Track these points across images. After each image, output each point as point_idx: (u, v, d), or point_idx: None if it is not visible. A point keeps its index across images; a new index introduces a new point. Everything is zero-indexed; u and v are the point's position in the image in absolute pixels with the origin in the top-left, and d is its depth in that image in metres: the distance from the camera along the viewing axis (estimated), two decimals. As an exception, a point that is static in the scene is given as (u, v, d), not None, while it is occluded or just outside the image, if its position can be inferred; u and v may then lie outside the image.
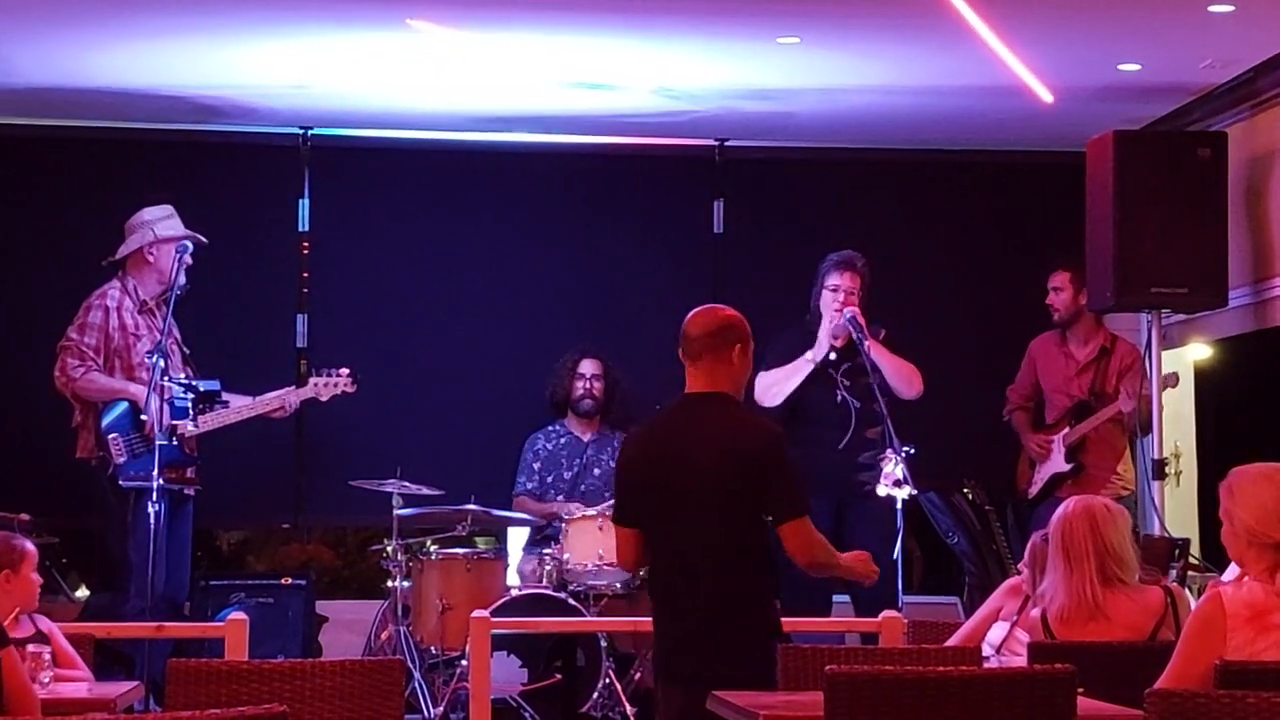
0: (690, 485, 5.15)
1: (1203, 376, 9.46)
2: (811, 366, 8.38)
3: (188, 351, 8.34)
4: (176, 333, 8.27)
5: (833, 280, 8.33)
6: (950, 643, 6.20)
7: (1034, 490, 8.71)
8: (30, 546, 5.78)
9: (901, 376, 8.24)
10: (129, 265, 8.29)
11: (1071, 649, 5.19)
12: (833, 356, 8.41)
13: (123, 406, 8.06)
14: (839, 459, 8.27)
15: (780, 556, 5.29)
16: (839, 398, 8.39)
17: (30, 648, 5.26)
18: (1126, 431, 8.61)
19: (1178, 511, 8.68)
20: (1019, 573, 6.43)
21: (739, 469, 5.13)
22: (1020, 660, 5.85)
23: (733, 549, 5.16)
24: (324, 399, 8.47)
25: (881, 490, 7.66)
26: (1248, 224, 8.55)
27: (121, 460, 7.98)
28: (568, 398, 9.01)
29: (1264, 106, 8.50)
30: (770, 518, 5.17)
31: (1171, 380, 8.51)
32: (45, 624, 5.78)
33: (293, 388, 8.46)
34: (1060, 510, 5.75)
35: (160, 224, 8.25)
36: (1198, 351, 9.37)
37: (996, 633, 6.26)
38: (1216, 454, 9.34)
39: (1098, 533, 5.61)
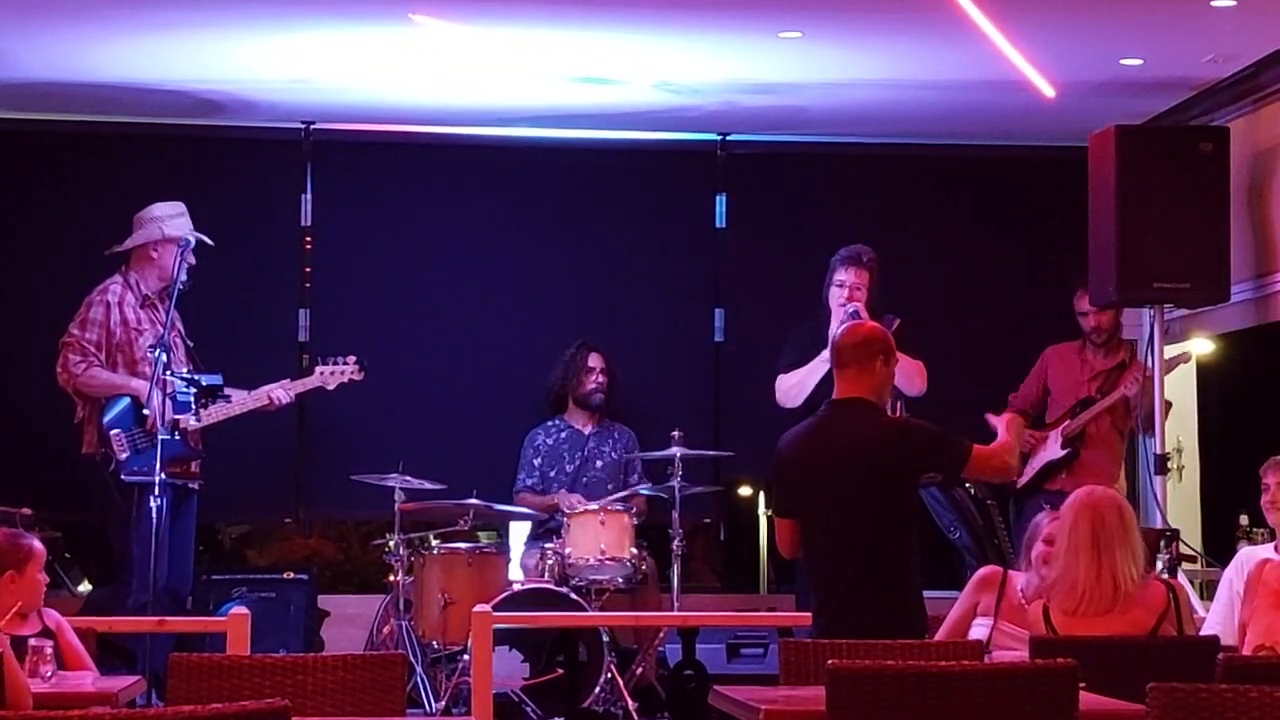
0: (837, 478, 5.82)
1: (1205, 371, 9.45)
2: (827, 366, 8.35)
3: (191, 345, 8.32)
4: (180, 326, 8.25)
5: (839, 276, 8.28)
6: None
7: (1023, 480, 8.62)
8: (38, 546, 5.76)
9: (903, 373, 8.16)
10: (132, 259, 8.28)
11: (1073, 644, 5.16)
12: None
13: (125, 402, 8.05)
14: None
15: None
16: None
17: (32, 642, 5.25)
18: (1129, 428, 8.58)
19: (1179, 507, 8.66)
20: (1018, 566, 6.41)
21: (876, 463, 5.80)
22: (1013, 655, 5.82)
23: (875, 528, 5.79)
24: (330, 387, 8.46)
25: None
26: (1250, 219, 8.54)
27: (124, 455, 7.98)
28: (574, 392, 9.02)
29: (1266, 101, 8.49)
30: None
31: (1182, 358, 8.49)
32: (54, 620, 5.76)
33: (287, 381, 8.43)
34: (1085, 498, 5.63)
35: (169, 222, 8.23)
36: (1200, 346, 9.35)
37: (980, 632, 6.19)
38: (1219, 449, 9.34)
39: (1127, 524, 5.55)
